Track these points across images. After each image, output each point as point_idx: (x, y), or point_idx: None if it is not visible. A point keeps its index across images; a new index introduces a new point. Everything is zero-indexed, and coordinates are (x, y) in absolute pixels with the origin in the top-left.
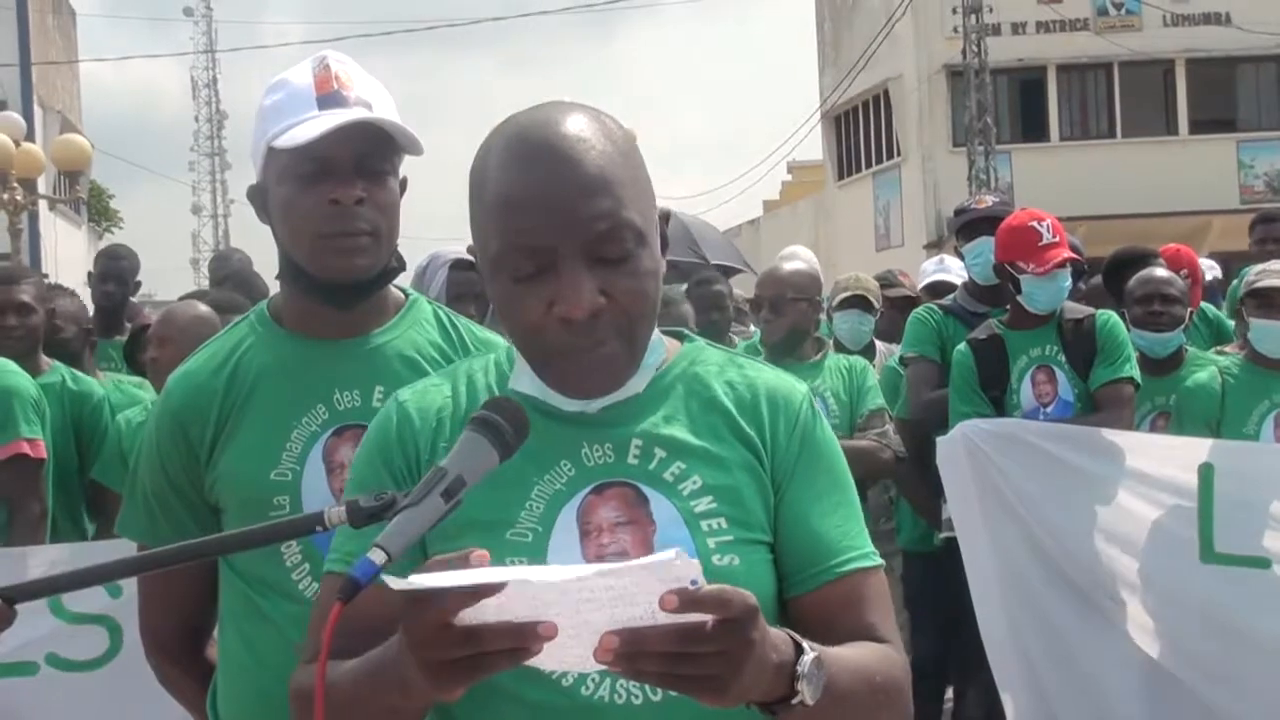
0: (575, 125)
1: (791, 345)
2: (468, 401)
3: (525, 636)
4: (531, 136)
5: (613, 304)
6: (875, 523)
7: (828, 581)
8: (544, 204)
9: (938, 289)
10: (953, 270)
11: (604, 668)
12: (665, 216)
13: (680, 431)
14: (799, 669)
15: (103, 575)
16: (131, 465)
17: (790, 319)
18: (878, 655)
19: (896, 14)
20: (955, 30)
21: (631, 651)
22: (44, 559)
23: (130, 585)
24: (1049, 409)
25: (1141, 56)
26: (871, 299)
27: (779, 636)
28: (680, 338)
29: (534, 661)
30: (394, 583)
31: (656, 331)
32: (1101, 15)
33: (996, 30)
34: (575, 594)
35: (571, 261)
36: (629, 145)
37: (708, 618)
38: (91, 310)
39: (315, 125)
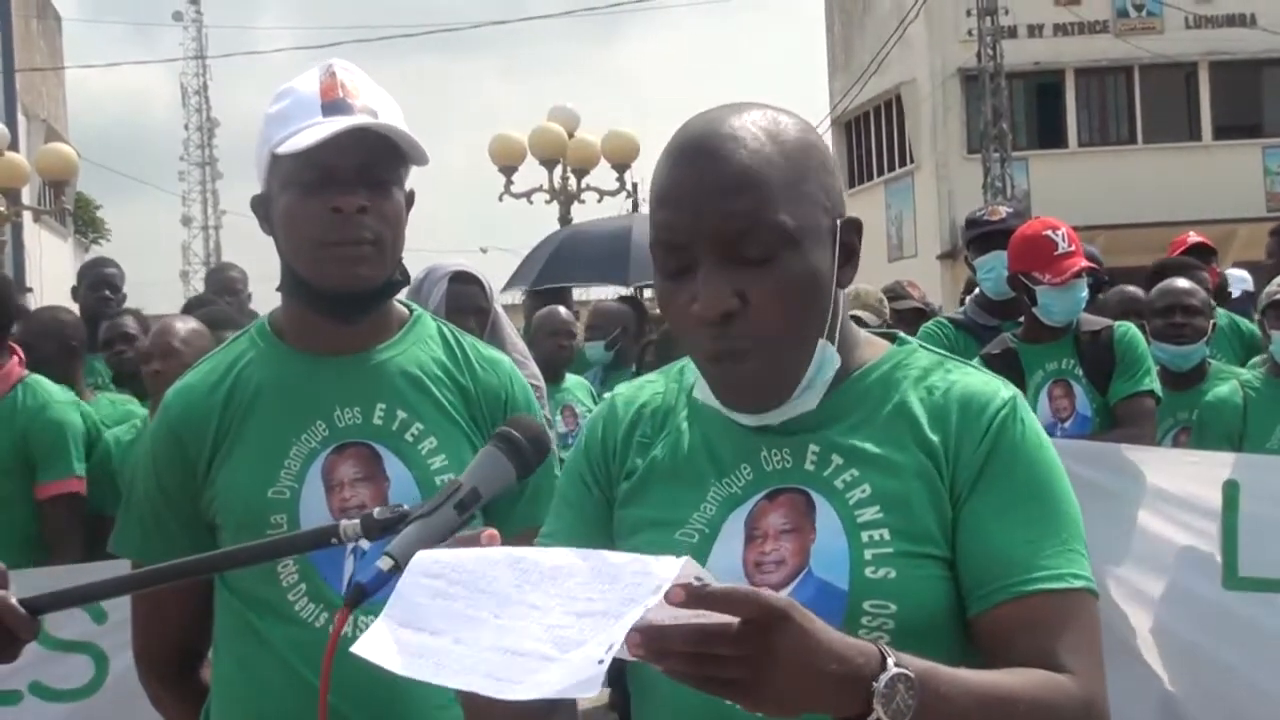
0: (735, 123)
1: None
2: (676, 397)
3: None
4: (690, 133)
5: (751, 307)
6: None
7: (1004, 601)
8: (683, 201)
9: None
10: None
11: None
12: (854, 226)
13: (860, 438)
14: (875, 685)
15: (132, 584)
16: (128, 481)
17: None
18: (1038, 683)
19: (909, 17)
20: (970, 33)
21: (657, 649)
22: (39, 582)
23: (115, 611)
24: (1067, 424)
25: (1163, 59)
26: (866, 317)
27: (853, 646)
28: (893, 338)
29: None
30: (368, 652)
31: (830, 346)
32: (1121, 17)
33: (1013, 33)
34: (567, 600)
35: (708, 260)
36: (801, 147)
37: (731, 618)
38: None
39: (317, 131)
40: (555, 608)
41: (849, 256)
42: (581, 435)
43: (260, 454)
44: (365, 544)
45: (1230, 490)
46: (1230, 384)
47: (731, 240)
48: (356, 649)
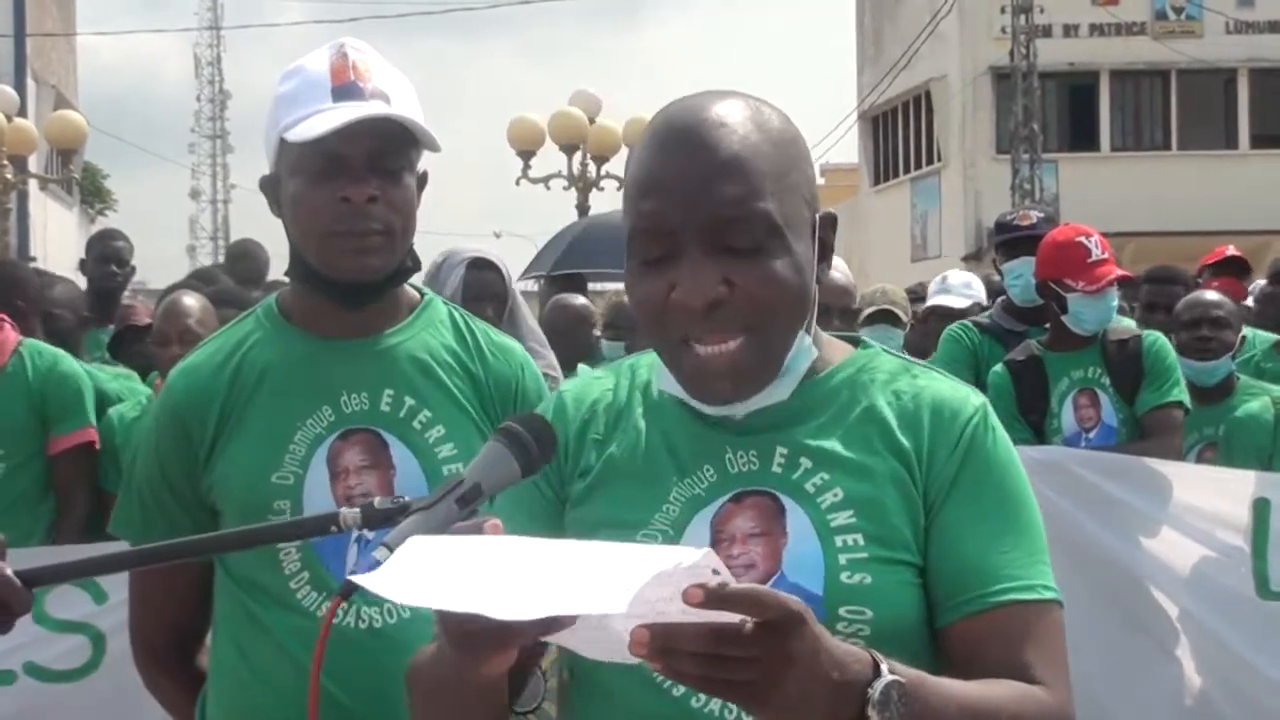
0: (721, 111)
1: None
2: (629, 394)
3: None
4: (675, 120)
5: (737, 295)
6: None
7: (977, 611)
8: (670, 186)
9: (940, 315)
10: (954, 290)
11: (639, 661)
12: (830, 222)
13: (830, 441)
14: (870, 693)
15: (131, 560)
16: (129, 462)
17: (851, 329)
18: (1015, 694)
19: (942, 11)
20: (1003, 30)
21: (663, 647)
22: (40, 559)
23: (115, 591)
24: (1091, 434)
25: (1201, 65)
26: (898, 313)
27: (850, 654)
28: (856, 343)
29: (571, 646)
30: (373, 584)
31: (808, 337)
32: (1160, 19)
33: (1047, 32)
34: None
35: (694, 247)
36: (785, 138)
37: (744, 619)
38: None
39: (327, 119)
40: (564, 570)
41: (825, 252)
42: None
43: (264, 438)
44: (369, 534)
45: (1261, 508)
46: (1261, 400)
47: (720, 228)
48: (359, 579)
